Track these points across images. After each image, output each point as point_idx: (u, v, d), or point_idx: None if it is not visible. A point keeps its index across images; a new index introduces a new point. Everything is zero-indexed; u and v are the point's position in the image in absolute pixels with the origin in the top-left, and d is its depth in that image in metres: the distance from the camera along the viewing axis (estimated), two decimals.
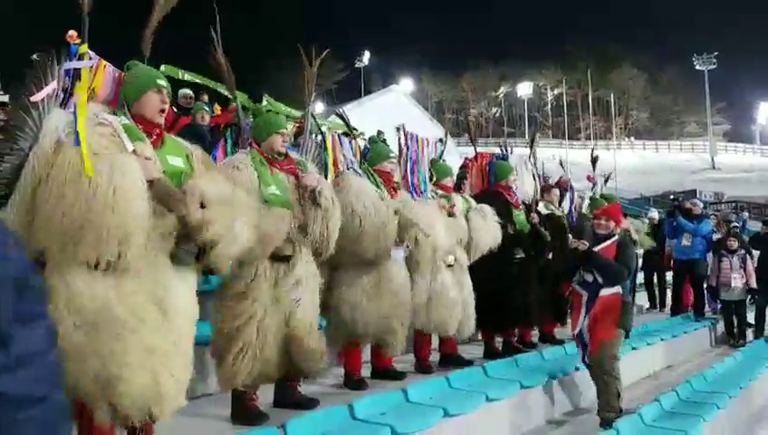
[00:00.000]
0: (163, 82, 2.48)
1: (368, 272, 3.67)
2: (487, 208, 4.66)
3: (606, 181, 7.31)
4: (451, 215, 4.36)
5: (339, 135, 4.01)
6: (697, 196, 26.74)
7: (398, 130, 4.53)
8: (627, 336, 4.19)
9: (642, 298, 9.26)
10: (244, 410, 2.98)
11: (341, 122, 4.51)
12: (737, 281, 7.48)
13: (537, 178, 5.87)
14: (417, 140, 4.55)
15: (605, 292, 4.03)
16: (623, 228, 5.13)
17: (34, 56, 2.37)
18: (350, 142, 4.03)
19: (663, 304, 9.10)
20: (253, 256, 2.81)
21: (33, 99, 2.21)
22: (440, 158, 4.88)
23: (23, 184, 2.13)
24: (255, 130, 3.23)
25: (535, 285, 5.07)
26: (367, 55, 57.13)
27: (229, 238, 2.35)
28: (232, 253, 2.42)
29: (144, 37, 2.57)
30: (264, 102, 6.02)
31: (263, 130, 3.18)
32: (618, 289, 4.06)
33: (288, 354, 2.99)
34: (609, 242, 4.09)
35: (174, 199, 2.25)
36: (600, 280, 4.04)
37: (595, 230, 4.22)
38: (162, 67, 4.30)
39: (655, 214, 9.67)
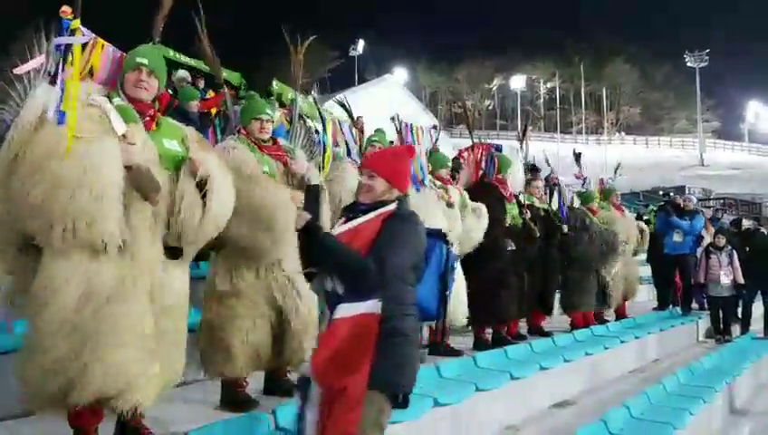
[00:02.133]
0: (144, 61, 2.43)
1: None
2: (483, 210, 4.66)
3: (615, 172, 7.41)
4: (449, 205, 4.36)
5: (340, 122, 3.98)
6: (686, 192, 26.97)
7: (392, 120, 4.49)
8: (401, 404, 2.14)
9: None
10: (234, 397, 2.99)
11: (339, 109, 4.47)
12: (725, 277, 7.56)
13: (526, 171, 5.92)
14: (413, 130, 4.52)
15: (344, 311, 2.05)
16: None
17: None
18: (350, 130, 4.00)
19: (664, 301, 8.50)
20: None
21: (16, 71, 2.17)
22: (435, 145, 4.87)
23: (1, 156, 2.10)
24: (241, 114, 3.25)
25: (524, 277, 5.10)
26: (361, 44, 56.78)
27: (201, 228, 2.35)
28: (200, 240, 2.43)
29: (155, 21, 2.54)
30: (275, 87, 5.96)
31: (244, 115, 3.20)
32: (371, 307, 2.02)
33: (281, 344, 2.99)
34: (370, 216, 2.13)
35: (149, 188, 2.21)
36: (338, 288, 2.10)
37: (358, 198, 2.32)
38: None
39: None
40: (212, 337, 2.90)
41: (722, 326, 7.80)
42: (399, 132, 4.40)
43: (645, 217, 9.13)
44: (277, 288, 2.97)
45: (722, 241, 7.73)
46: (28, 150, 2.05)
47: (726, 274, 7.54)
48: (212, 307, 2.92)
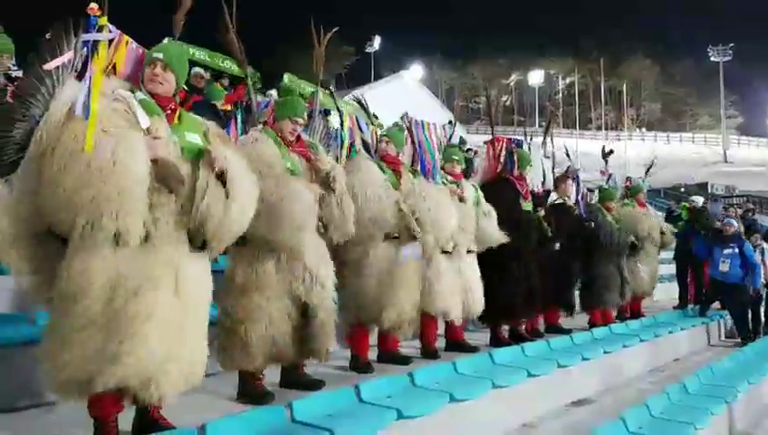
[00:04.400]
0: (158, 55, 2.46)
1: (378, 254, 3.64)
2: (493, 213, 4.63)
3: (646, 174, 7.27)
4: (461, 200, 4.34)
5: (357, 118, 3.98)
6: (709, 189, 26.31)
7: (402, 118, 4.48)
8: None
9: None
10: (250, 390, 3.00)
11: (356, 106, 4.46)
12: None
13: (545, 169, 5.86)
14: (423, 126, 4.50)
15: None
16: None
17: (47, 35, 2.36)
18: (368, 127, 4.00)
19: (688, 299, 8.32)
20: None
21: (46, 67, 2.21)
22: (449, 141, 4.84)
23: (31, 151, 2.14)
24: (277, 108, 3.23)
25: (536, 275, 5.02)
26: (377, 40, 56.73)
27: (226, 221, 2.32)
28: (225, 235, 2.38)
29: (175, 19, 2.57)
30: (286, 80, 5.98)
31: (279, 110, 3.19)
32: None
33: (300, 337, 3.00)
34: None
35: (174, 181, 2.23)
36: None
37: None
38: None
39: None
40: (230, 330, 2.92)
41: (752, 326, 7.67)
42: (410, 130, 4.37)
43: (674, 213, 8.94)
44: (298, 282, 2.97)
45: (758, 240, 7.72)
46: (58, 145, 2.08)
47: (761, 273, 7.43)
48: (230, 301, 2.93)
